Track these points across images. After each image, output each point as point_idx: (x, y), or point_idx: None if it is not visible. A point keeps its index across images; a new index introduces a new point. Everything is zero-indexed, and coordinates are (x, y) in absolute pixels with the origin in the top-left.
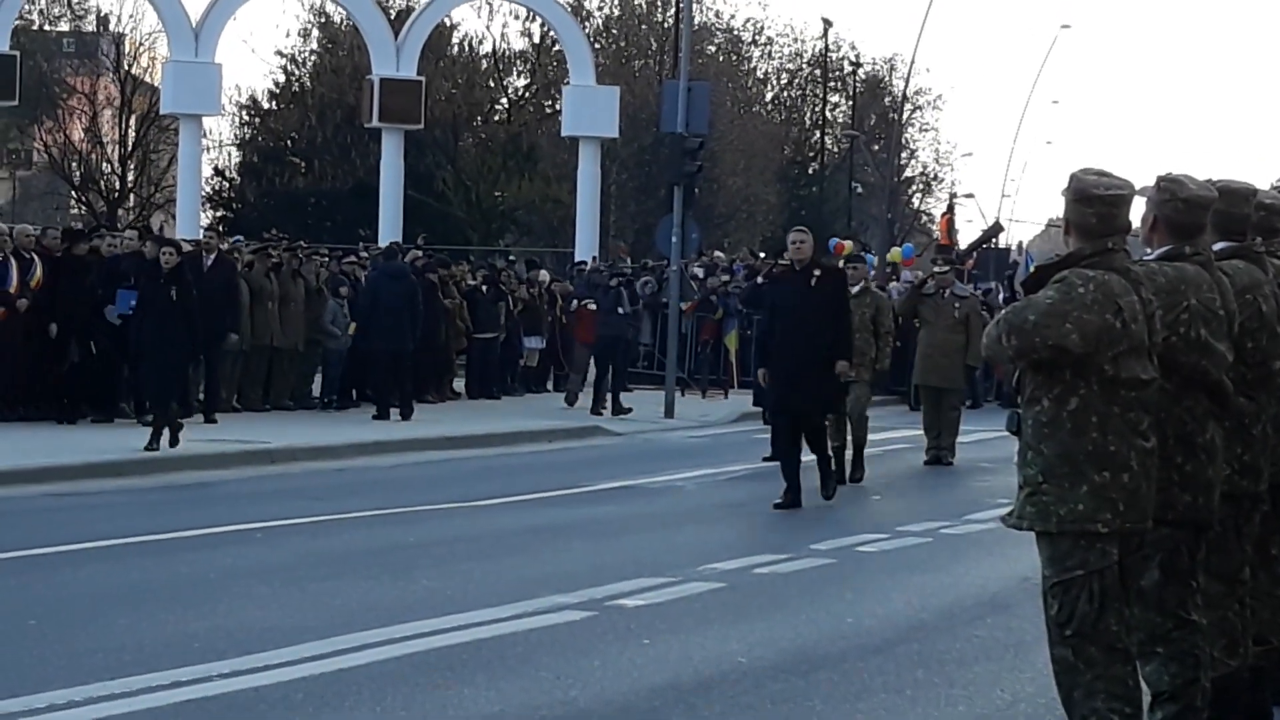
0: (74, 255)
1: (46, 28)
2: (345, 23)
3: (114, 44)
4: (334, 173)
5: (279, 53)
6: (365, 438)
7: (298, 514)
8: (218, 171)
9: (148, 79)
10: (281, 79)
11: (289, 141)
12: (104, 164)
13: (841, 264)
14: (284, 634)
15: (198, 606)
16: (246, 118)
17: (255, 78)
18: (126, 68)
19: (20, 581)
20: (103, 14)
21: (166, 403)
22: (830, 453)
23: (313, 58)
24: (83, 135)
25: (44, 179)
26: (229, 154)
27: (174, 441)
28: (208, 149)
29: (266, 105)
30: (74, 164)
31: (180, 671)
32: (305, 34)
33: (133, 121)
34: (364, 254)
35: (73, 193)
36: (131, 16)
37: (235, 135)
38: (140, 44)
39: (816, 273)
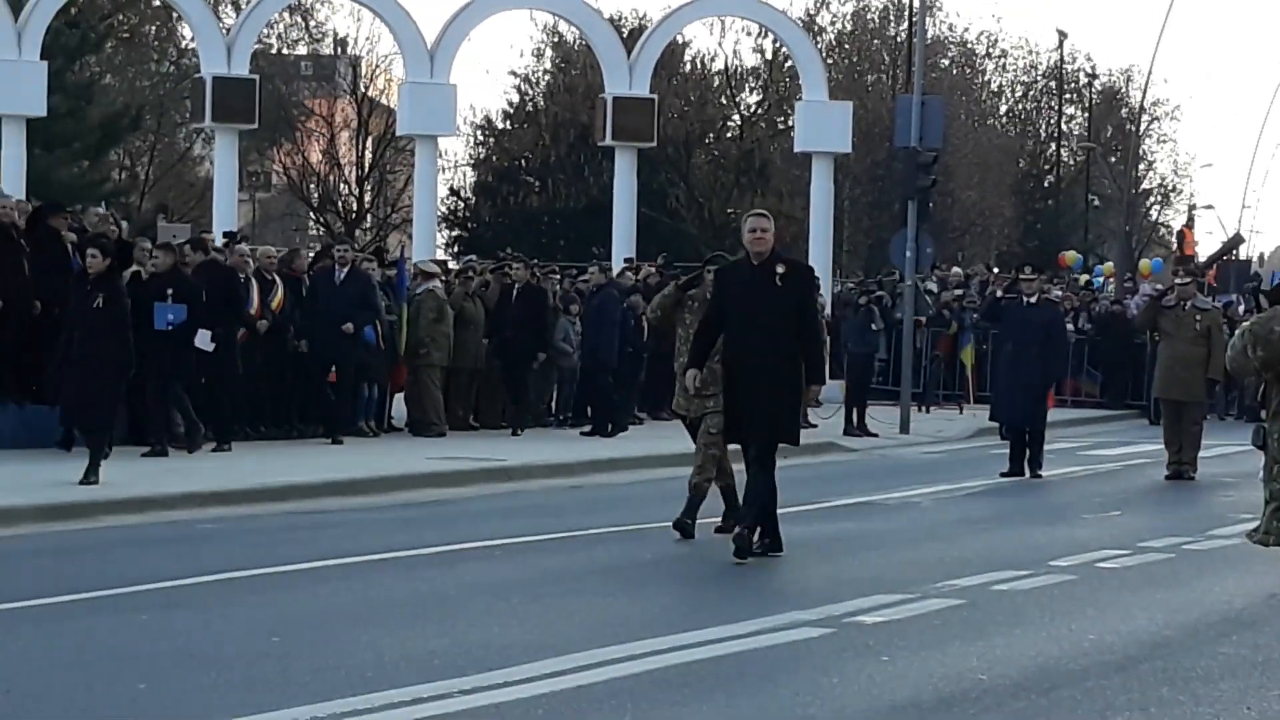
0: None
1: (285, 51)
2: (578, 42)
3: (351, 66)
4: (567, 191)
5: (513, 73)
6: (601, 455)
7: (535, 531)
8: (453, 191)
9: (384, 100)
10: (515, 99)
11: (523, 161)
12: (341, 185)
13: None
14: (524, 650)
15: (438, 623)
16: (481, 138)
17: (490, 98)
18: (363, 90)
19: (264, 599)
20: (340, 37)
21: (96, 428)
22: (771, 495)
23: (546, 77)
24: (320, 157)
25: (283, 201)
26: (464, 174)
27: (93, 473)
28: (443, 169)
29: (501, 125)
30: (312, 185)
31: (422, 688)
32: (539, 54)
33: (369, 143)
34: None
35: (311, 214)
36: (368, 39)
37: (470, 155)
38: (376, 66)
39: (780, 269)
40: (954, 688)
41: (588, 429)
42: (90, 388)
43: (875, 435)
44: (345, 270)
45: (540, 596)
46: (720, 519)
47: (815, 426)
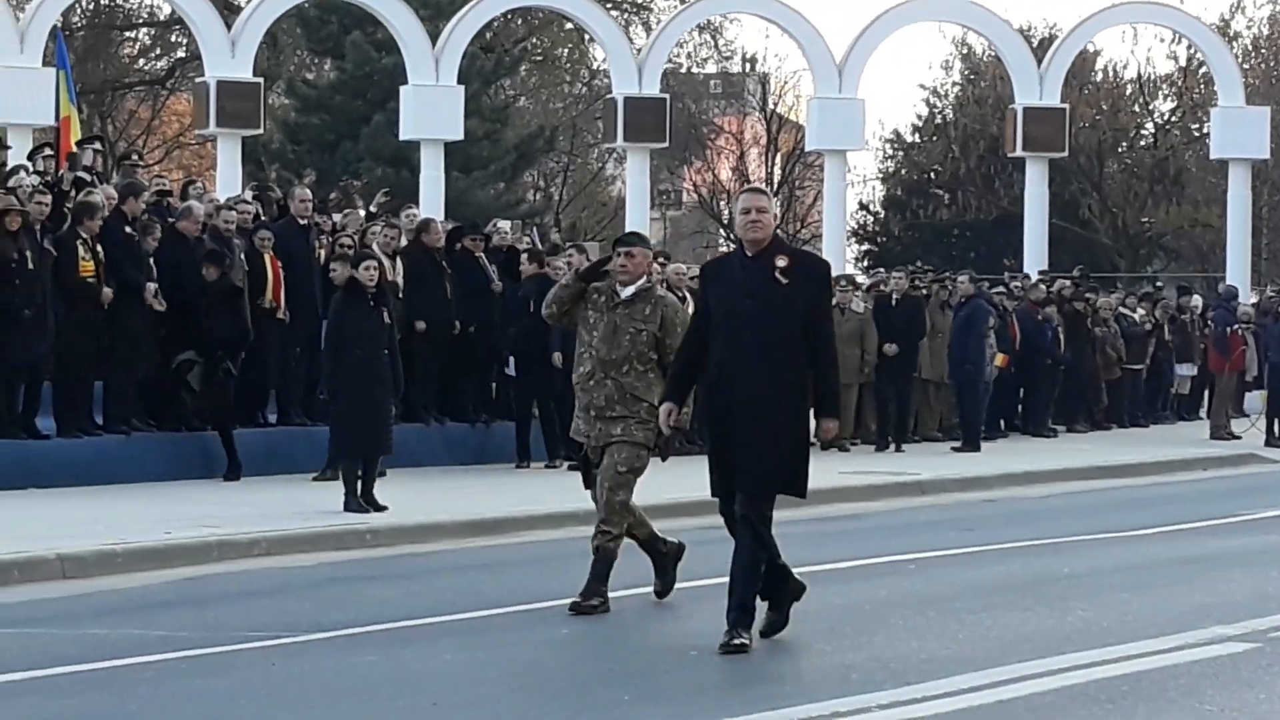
0: None
1: (694, 70)
2: (987, 53)
3: (760, 84)
4: (977, 203)
5: (921, 86)
6: (1015, 468)
7: (950, 545)
8: (862, 206)
9: (792, 117)
10: (924, 111)
11: (932, 173)
12: None
13: None
14: (941, 665)
15: (854, 638)
16: (890, 151)
17: (898, 111)
18: (772, 106)
19: (681, 613)
20: (748, 54)
21: (376, 453)
22: (772, 560)
23: (955, 89)
24: (730, 174)
25: (694, 218)
26: (873, 188)
27: (370, 498)
28: (852, 184)
29: (910, 138)
30: (722, 203)
31: (839, 702)
32: (947, 66)
33: (778, 159)
34: (1014, 284)
35: (721, 231)
36: (776, 56)
37: (879, 169)
38: (785, 83)
39: (782, 263)
40: None
41: (958, 444)
42: (386, 408)
43: None
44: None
45: (956, 611)
46: (583, 593)
47: (1239, 438)
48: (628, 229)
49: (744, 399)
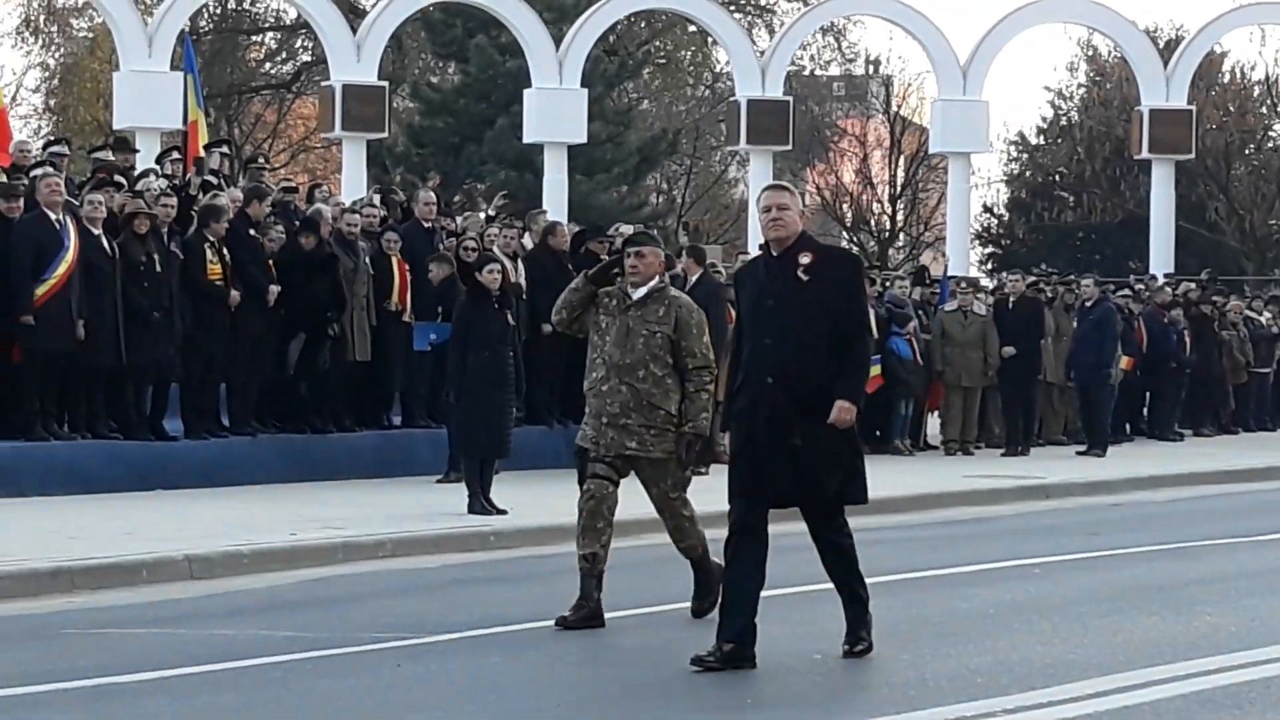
0: None
1: (818, 72)
2: (1113, 54)
3: (883, 86)
4: (1103, 206)
5: (1046, 88)
6: (1140, 472)
7: (1075, 549)
8: (986, 208)
9: (916, 119)
10: (1049, 113)
11: (1057, 176)
12: (874, 204)
13: None
14: (1066, 670)
15: (979, 642)
16: (1014, 153)
17: (1023, 113)
18: (895, 108)
19: (803, 616)
20: (872, 57)
21: (495, 456)
22: (854, 575)
23: (1080, 91)
24: (853, 176)
25: (816, 220)
26: (997, 190)
27: (488, 499)
28: (976, 186)
29: (1034, 140)
30: (845, 205)
31: (964, 706)
32: (1072, 68)
33: (902, 161)
34: (1139, 287)
35: (844, 233)
36: (900, 58)
37: (1003, 171)
38: (909, 85)
39: (805, 259)
40: None
41: (1083, 448)
42: (508, 411)
43: None
44: None
45: (1081, 615)
46: (693, 599)
47: None
48: (750, 232)
49: (765, 402)
